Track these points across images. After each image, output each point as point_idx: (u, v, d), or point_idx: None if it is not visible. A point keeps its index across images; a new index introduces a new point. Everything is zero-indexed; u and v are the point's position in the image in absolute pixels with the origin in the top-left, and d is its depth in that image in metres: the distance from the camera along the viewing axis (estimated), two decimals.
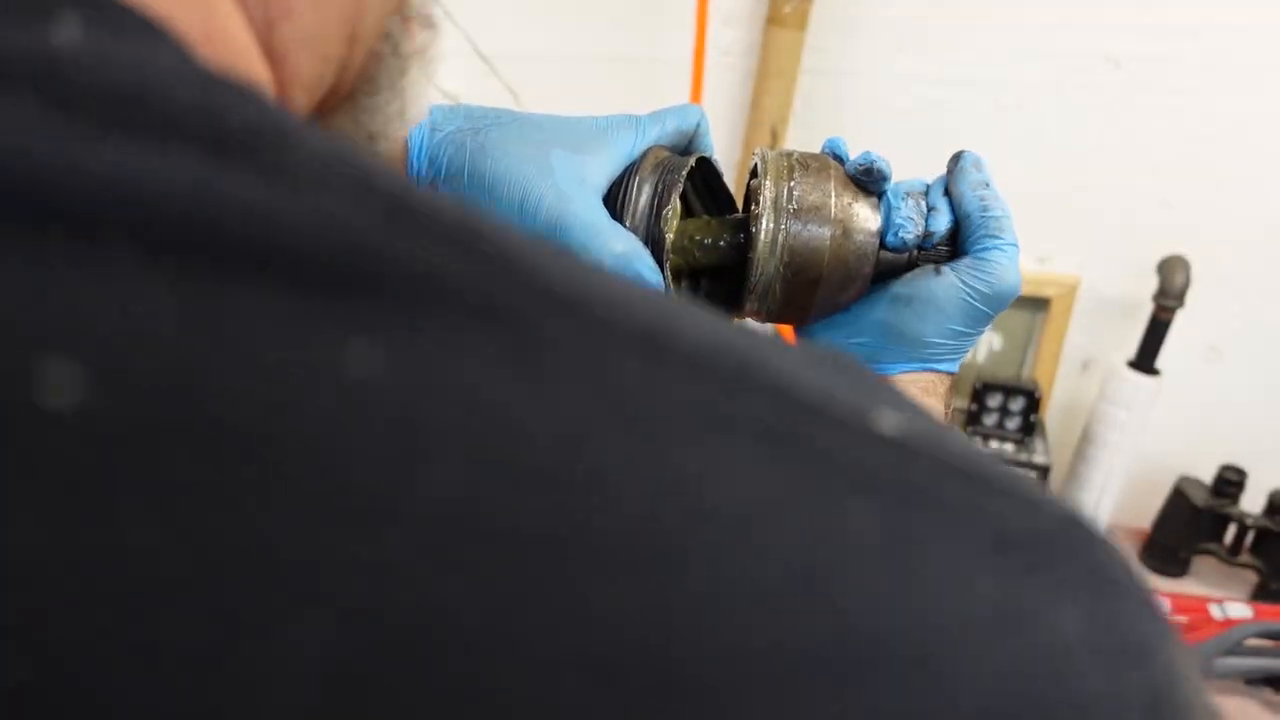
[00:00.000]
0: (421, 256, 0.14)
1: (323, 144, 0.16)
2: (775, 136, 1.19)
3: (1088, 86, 1.13)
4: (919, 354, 0.49)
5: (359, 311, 0.13)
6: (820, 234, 0.46)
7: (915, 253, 0.49)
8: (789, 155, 0.48)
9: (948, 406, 0.52)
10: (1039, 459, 1.17)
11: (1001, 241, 0.47)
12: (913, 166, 1.22)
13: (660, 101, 1.31)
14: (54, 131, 0.13)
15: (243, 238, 0.13)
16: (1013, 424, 1.19)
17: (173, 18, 0.18)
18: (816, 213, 0.46)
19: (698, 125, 0.51)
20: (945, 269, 0.48)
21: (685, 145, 0.51)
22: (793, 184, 0.46)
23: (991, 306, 0.48)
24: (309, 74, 0.25)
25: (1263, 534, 1.17)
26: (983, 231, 0.47)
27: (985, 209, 0.47)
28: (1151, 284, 1.14)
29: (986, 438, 1.20)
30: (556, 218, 0.43)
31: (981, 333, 0.50)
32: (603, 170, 0.45)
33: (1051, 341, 1.27)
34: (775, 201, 0.46)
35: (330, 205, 0.14)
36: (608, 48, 1.24)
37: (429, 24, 0.31)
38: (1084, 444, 1.24)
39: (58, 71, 0.14)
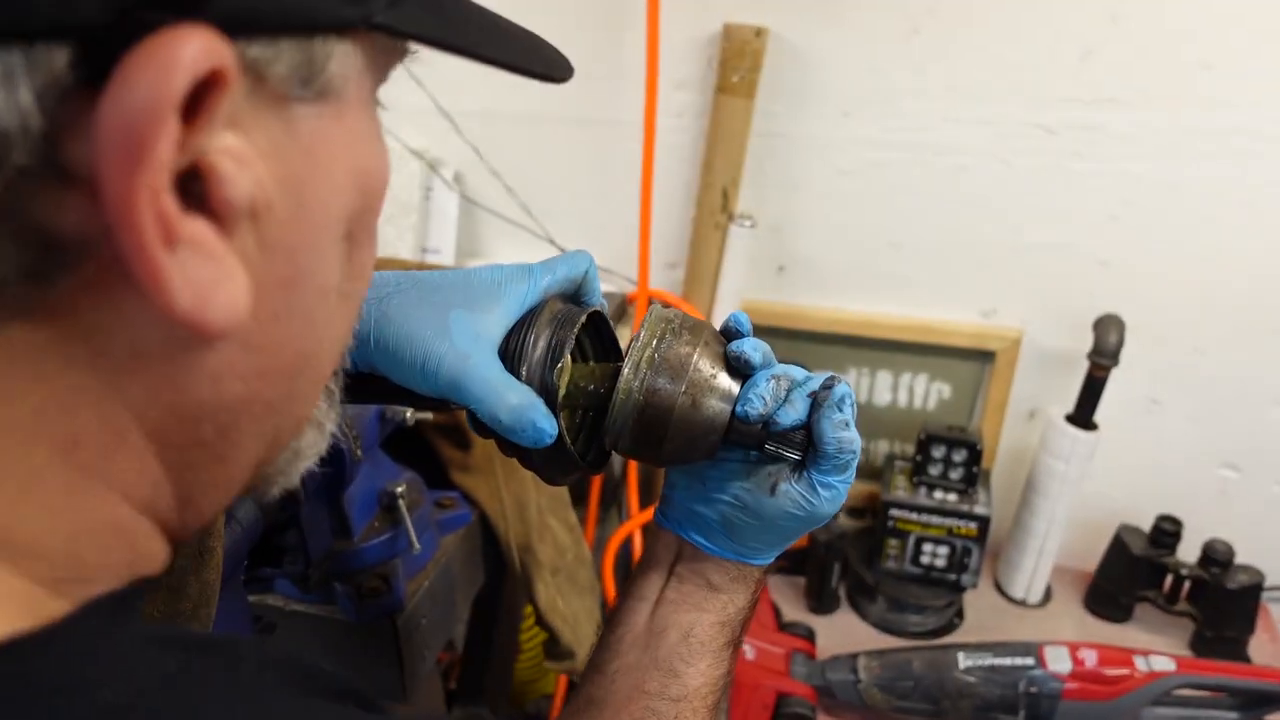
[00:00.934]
0: None
1: None
2: (727, 197, 1.23)
3: (1025, 152, 1.17)
4: (741, 549, 0.55)
5: None
6: (671, 394, 0.49)
7: (765, 432, 0.51)
8: (672, 319, 0.51)
9: (756, 593, 0.57)
10: (980, 510, 1.20)
11: (841, 480, 0.52)
12: (858, 225, 1.27)
13: (615, 160, 1.37)
14: None
15: None
16: (956, 474, 1.23)
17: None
18: (673, 376, 0.49)
19: (586, 271, 0.54)
20: (781, 488, 0.52)
21: (575, 290, 0.54)
22: (663, 344, 0.50)
23: (808, 526, 0.54)
24: (215, 511, 0.35)
25: (1198, 583, 1.20)
26: (830, 465, 0.51)
27: (840, 449, 0.50)
28: (1089, 340, 1.18)
29: (931, 487, 1.24)
30: (456, 376, 0.47)
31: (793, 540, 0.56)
32: (499, 322, 0.49)
33: (998, 391, 1.31)
34: (640, 356, 0.49)
35: None
36: (566, 109, 1.28)
37: (317, 426, 0.40)
38: (1028, 492, 1.28)
39: None
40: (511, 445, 0.50)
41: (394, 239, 1.40)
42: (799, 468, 0.52)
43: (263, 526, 0.65)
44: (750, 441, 0.52)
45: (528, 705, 1.44)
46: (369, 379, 0.50)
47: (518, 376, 0.49)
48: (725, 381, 0.51)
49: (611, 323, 0.56)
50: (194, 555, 0.52)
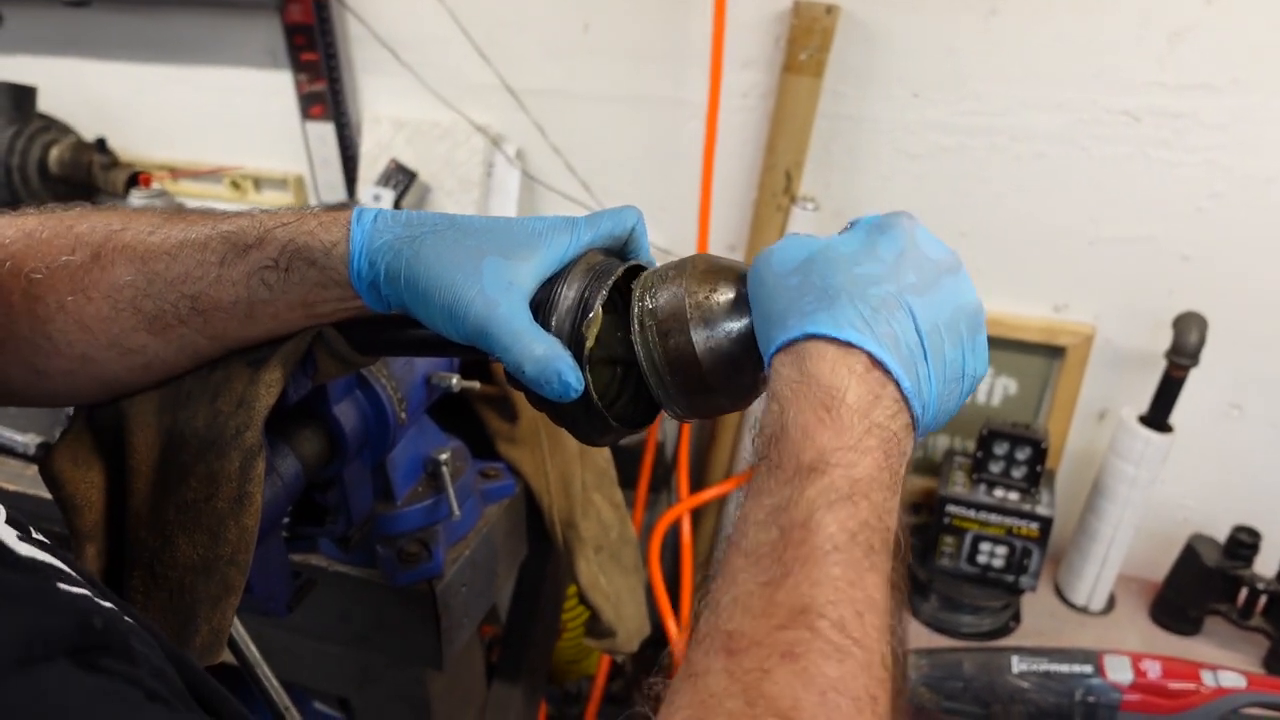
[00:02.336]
0: None
1: None
2: (790, 179, 1.21)
3: (1106, 139, 1.12)
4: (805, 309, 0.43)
5: None
6: (681, 336, 0.46)
7: None
8: (656, 269, 0.49)
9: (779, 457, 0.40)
10: (1042, 510, 1.16)
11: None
12: (925, 211, 1.22)
13: (677, 139, 1.35)
14: None
15: None
16: (1019, 473, 1.19)
17: None
18: (672, 318, 0.46)
19: (633, 228, 0.52)
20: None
21: (621, 246, 0.52)
22: (650, 299, 0.47)
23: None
24: None
25: (1275, 599, 1.14)
26: None
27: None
28: (1168, 338, 1.13)
29: (991, 485, 1.20)
30: (483, 323, 0.45)
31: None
32: (534, 273, 0.47)
33: (1067, 389, 1.26)
34: (640, 321, 0.47)
35: None
36: (630, 88, 1.27)
37: None
38: (1095, 495, 1.22)
39: None
40: (541, 399, 0.49)
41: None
42: None
43: (304, 483, 0.65)
44: None
45: (568, 684, 1.44)
46: (401, 321, 0.49)
47: (547, 327, 0.47)
48: (728, 294, 0.47)
49: None
50: (233, 500, 0.53)
